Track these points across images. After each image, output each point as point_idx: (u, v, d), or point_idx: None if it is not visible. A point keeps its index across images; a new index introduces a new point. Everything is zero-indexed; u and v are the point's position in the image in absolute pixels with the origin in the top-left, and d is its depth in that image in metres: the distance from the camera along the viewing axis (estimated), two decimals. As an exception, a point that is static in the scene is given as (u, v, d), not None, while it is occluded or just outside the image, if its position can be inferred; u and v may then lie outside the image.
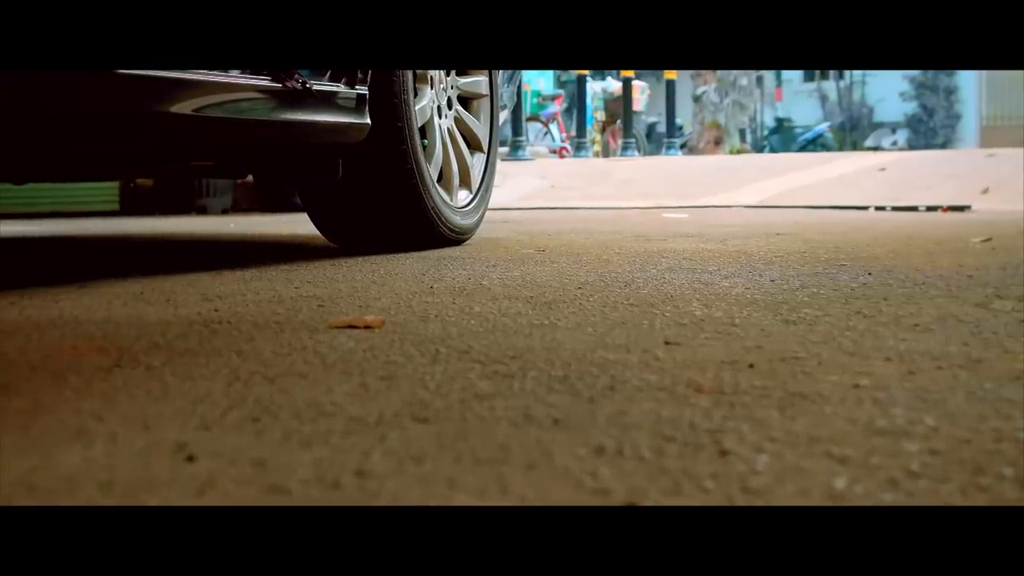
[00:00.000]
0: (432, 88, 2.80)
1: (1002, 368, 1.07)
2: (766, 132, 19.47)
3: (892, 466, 0.73)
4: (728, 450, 0.77)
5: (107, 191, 6.51)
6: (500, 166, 7.49)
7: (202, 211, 6.49)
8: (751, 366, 1.11)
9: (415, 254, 2.64)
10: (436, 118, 2.81)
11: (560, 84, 16.62)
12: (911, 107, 20.02)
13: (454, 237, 2.84)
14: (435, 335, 1.34)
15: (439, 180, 2.80)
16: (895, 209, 5.56)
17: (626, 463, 0.74)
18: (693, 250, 2.72)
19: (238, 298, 1.76)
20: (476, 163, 3.09)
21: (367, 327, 1.41)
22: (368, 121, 2.42)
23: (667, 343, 1.26)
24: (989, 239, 2.99)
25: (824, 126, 18.20)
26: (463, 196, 2.98)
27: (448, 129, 2.90)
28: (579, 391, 0.99)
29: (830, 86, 20.96)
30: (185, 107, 1.94)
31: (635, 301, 1.67)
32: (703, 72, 15.61)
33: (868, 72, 19.72)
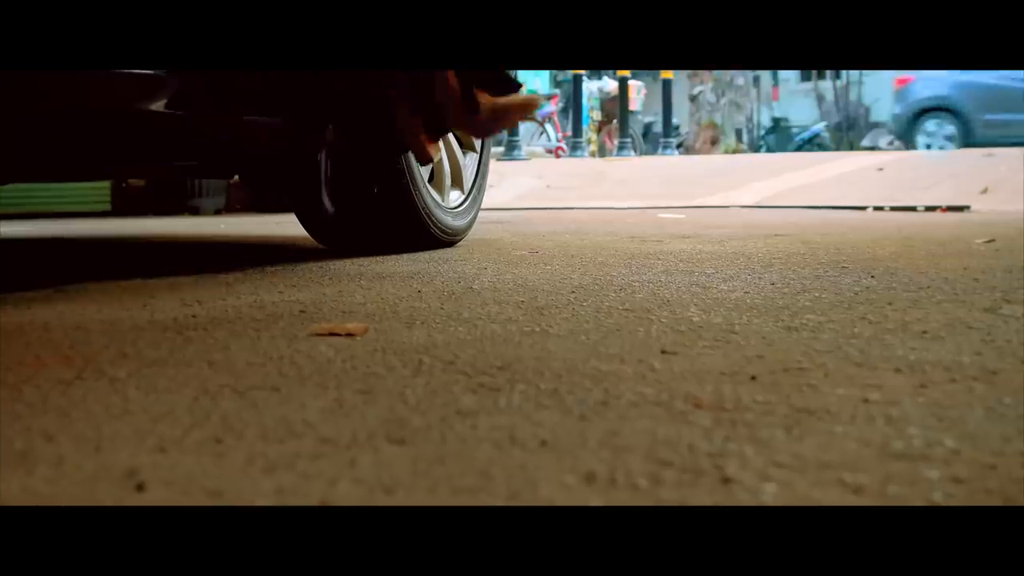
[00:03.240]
0: (423, 86, 2.73)
1: (1020, 381, 1.01)
2: (762, 132, 19.41)
3: (913, 497, 0.66)
4: (731, 478, 0.70)
5: (99, 191, 6.43)
6: (495, 166, 7.43)
7: (195, 211, 6.41)
8: (753, 378, 1.04)
9: (405, 256, 2.57)
10: (427, 117, 2.74)
11: (556, 84, 16.55)
12: (908, 107, 19.95)
13: (446, 239, 2.77)
14: (420, 343, 1.27)
15: (430, 180, 2.74)
16: (894, 209, 5.50)
17: (619, 493, 0.68)
18: (690, 252, 2.66)
19: (218, 303, 1.69)
20: (469, 163, 3.02)
21: (349, 335, 1.34)
22: (356, 120, 2.35)
23: (663, 352, 1.19)
24: (992, 240, 2.93)
25: (820, 126, 18.14)
26: (455, 196, 2.91)
27: (439, 128, 2.83)
28: (569, 407, 0.92)
29: (826, 86, 20.91)
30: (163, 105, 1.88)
31: (630, 306, 1.60)
32: (699, 72, 15.55)
33: (865, 72, 19.67)
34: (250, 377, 1.07)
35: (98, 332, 1.39)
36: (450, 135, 2.88)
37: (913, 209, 5.45)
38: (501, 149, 9.54)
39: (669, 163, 9.15)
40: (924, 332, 1.32)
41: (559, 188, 7.57)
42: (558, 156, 11.87)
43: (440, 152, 2.79)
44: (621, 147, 10.55)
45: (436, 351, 1.22)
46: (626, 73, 10.69)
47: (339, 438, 0.82)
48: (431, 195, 2.67)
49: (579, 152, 10.73)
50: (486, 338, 1.31)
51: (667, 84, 10.70)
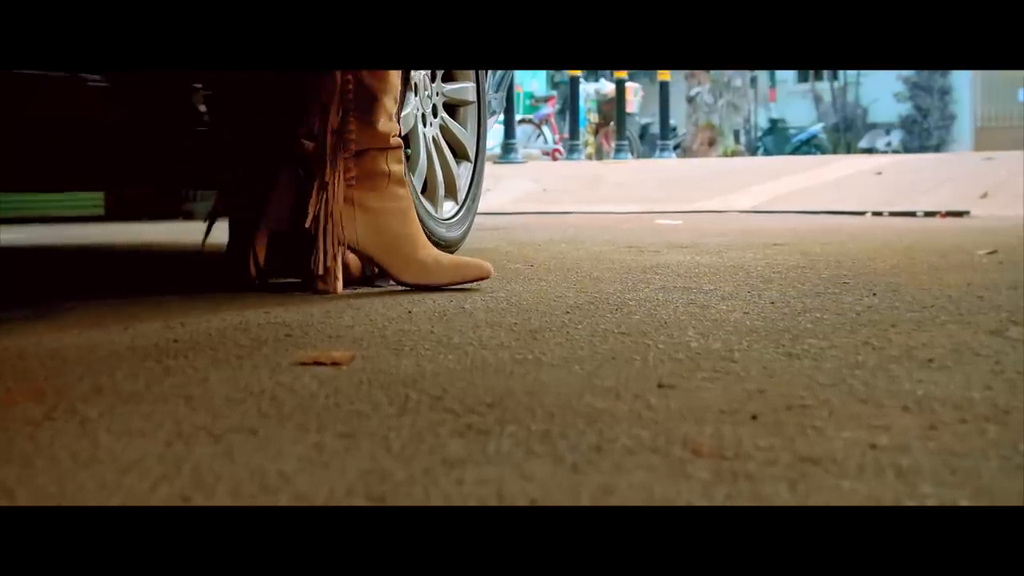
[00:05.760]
0: (416, 95, 2.68)
1: (1034, 421, 0.96)
2: (760, 133, 19.38)
3: (929, 573, 0.61)
4: (733, 548, 0.66)
5: (93, 197, 6.38)
6: (492, 169, 7.38)
7: (188, 216, 6.36)
8: (754, 417, 1.00)
9: (397, 270, 2.52)
10: (420, 126, 2.69)
11: (553, 85, 16.51)
12: (905, 108, 19.94)
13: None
14: (407, 375, 1.22)
15: (423, 191, 2.69)
16: (893, 214, 5.46)
17: (612, 567, 0.63)
18: (688, 264, 2.61)
19: (202, 325, 1.64)
20: (462, 173, 2.97)
21: (334, 364, 1.30)
22: (347, 131, 2.29)
23: (660, 386, 1.14)
24: (995, 251, 2.89)
25: (818, 127, 18.12)
26: (449, 207, 2.86)
27: (433, 138, 2.78)
28: (561, 455, 0.87)
29: (824, 87, 20.88)
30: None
31: (627, 329, 1.55)
32: (696, 73, 15.52)
33: (862, 73, 19.64)
34: (228, 416, 1.02)
35: (75, 361, 1.34)
36: (444, 144, 2.84)
37: (912, 214, 5.40)
38: (497, 151, 9.50)
39: (666, 166, 9.11)
40: (930, 360, 1.28)
41: (556, 191, 7.52)
42: (555, 158, 11.83)
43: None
44: (618, 149, 10.52)
45: (424, 384, 1.17)
46: (623, 75, 10.65)
47: (315, 495, 0.77)
48: (424, 206, 2.63)
49: (576, 154, 10.69)
50: (476, 368, 1.26)
51: (664, 86, 10.66)
